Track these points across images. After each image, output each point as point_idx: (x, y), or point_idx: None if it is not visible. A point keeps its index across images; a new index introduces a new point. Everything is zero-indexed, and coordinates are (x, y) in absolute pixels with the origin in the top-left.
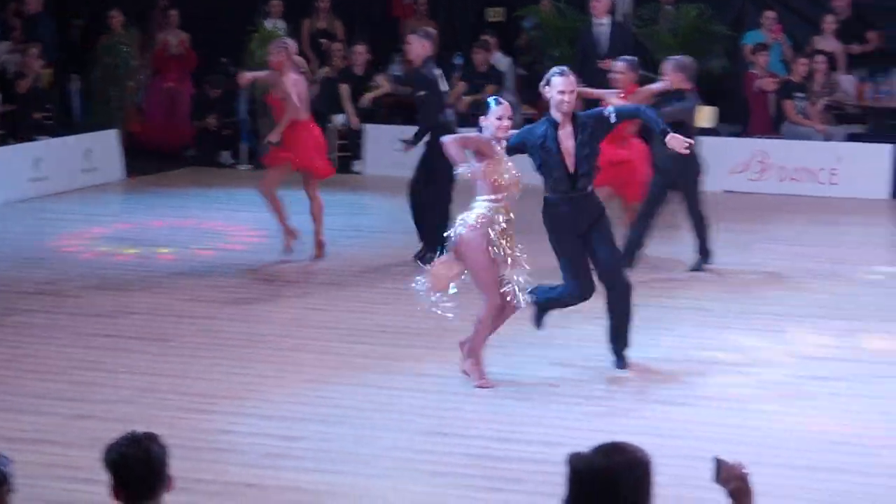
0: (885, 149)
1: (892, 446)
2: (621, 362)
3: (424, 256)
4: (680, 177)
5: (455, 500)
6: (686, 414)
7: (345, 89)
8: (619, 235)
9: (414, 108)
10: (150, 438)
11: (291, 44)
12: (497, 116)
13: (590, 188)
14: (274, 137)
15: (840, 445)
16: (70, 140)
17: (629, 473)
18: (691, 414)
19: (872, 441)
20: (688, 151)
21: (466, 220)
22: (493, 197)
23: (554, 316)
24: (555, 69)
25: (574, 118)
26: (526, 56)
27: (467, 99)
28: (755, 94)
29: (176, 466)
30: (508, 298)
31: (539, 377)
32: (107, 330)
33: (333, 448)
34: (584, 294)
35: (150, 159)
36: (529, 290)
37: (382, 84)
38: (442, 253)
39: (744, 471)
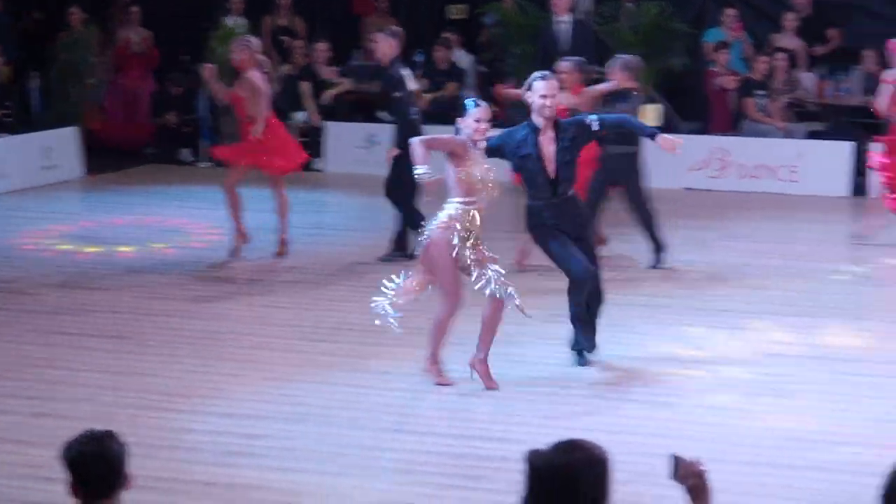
0: (845, 146)
1: (849, 443)
2: (583, 360)
3: (388, 256)
4: (623, 175)
5: (416, 497)
6: (645, 411)
7: (306, 87)
8: None
9: (374, 104)
10: (109, 436)
11: (255, 42)
12: (475, 118)
13: (571, 192)
14: (258, 130)
15: (799, 442)
16: (29, 137)
17: (588, 470)
18: (650, 411)
19: (830, 437)
20: (679, 151)
21: (435, 222)
22: (464, 199)
23: (512, 314)
24: (536, 73)
25: (556, 124)
26: (487, 53)
27: (428, 97)
28: (715, 92)
29: (136, 465)
30: (494, 296)
31: (500, 375)
32: (66, 328)
33: (296, 446)
34: (586, 272)
35: (110, 157)
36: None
37: (343, 81)
38: (404, 254)
39: (701, 468)
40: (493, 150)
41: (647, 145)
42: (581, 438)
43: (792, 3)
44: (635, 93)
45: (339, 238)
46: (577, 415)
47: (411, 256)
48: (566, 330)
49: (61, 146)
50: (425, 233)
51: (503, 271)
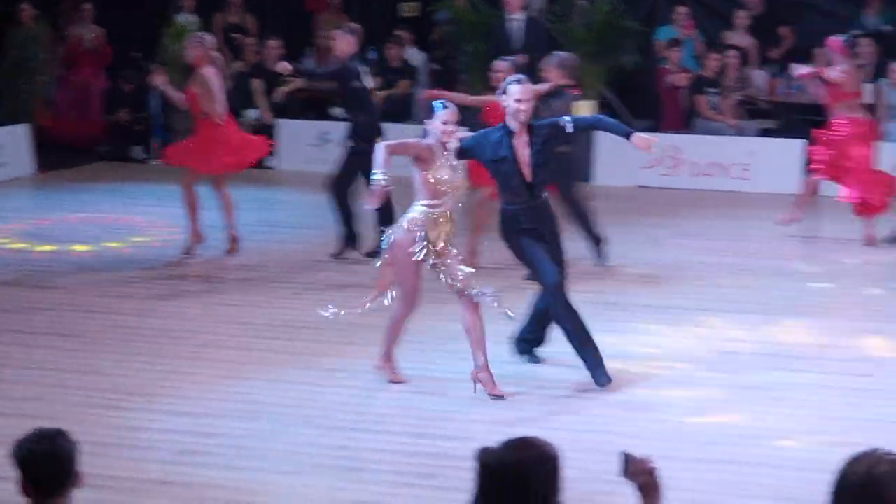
0: (796, 144)
1: (802, 439)
2: (535, 359)
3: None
4: (555, 176)
5: (368, 495)
6: (598, 408)
7: (258, 84)
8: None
9: (327, 102)
10: (60, 435)
11: (209, 38)
12: (443, 120)
13: (545, 195)
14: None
15: (751, 439)
16: None
17: (539, 468)
18: (603, 408)
19: (783, 434)
20: (655, 150)
21: (401, 224)
22: (430, 202)
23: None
24: (511, 77)
25: (529, 127)
26: (440, 51)
27: (382, 94)
28: (668, 90)
29: (87, 463)
30: (468, 299)
31: (452, 372)
32: (17, 326)
33: (250, 444)
34: (560, 276)
35: (61, 154)
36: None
37: (295, 79)
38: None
39: (651, 465)
40: (466, 151)
41: (586, 145)
42: (532, 436)
43: (743, 1)
44: (569, 90)
45: (292, 236)
46: (530, 412)
47: (372, 255)
48: (514, 328)
49: (12, 143)
50: (391, 233)
51: (471, 271)
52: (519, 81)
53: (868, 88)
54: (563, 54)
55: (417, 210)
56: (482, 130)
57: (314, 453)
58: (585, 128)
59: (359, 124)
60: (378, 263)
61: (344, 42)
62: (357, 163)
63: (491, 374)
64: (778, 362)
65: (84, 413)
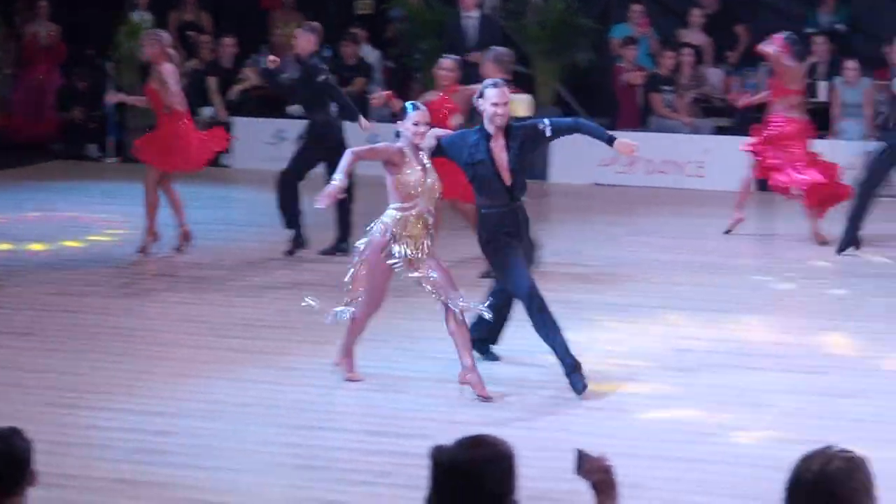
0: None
1: (758, 436)
2: (492, 356)
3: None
4: None
5: (323, 493)
6: (554, 406)
7: (212, 82)
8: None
9: (282, 101)
10: (15, 433)
11: (165, 35)
12: (413, 122)
13: (523, 198)
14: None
15: (708, 436)
16: None
17: (493, 466)
18: (559, 406)
19: (740, 431)
20: (636, 153)
21: (377, 226)
22: (402, 205)
23: (425, 309)
24: (488, 81)
25: (506, 130)
26: (394, 49)
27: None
28: (623, 88)
29: (42, 462)
30: (445, 305)
31: (410, 370)
32: None
33: (205, 443)
34: (532, 282)
35: (15, 152)
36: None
37: (250, 76)
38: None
39: (607, 463)
40: (441, 149)
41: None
42: (486, 434)
43: (698, 0)
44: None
45: (247, 234)
46: (486, 410)
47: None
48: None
49: None
50: (367, 233)
51: (438, 276)
52: (496, 85)
53: (823, 86)
54: (499, 49)
55: (390, 213)
56: (461, 131)
57: (272, 452)
58: (564, 131)
59: (316, 123)
60: (351, 265)
61: (305, 40)
62: (306, 161)
63: (479, 376)
64: (734, 359)
65: (40, 412)
